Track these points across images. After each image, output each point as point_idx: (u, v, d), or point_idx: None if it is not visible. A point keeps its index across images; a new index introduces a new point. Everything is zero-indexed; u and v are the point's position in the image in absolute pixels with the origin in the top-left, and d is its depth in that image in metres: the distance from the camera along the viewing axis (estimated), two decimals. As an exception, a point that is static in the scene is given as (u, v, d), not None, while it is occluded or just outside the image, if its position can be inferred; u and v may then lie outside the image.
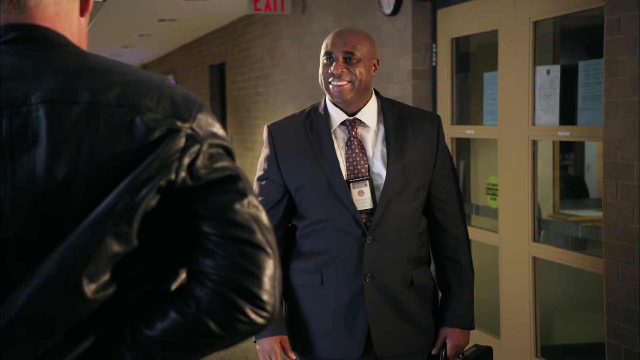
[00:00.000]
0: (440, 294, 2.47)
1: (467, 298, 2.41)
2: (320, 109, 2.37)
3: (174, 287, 1.10)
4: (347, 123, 2.34)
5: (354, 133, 2.34)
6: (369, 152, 2.33)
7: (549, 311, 4.03)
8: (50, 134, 1.03)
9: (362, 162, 2.32)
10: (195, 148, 1.07)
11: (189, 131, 1.08)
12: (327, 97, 2.36)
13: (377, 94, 2.40)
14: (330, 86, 2.29)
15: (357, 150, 2.33)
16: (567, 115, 3.54)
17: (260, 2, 6.41)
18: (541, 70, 3.62)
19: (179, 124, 1.07)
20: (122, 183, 1.03)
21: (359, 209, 2.29)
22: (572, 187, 4.98)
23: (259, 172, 2.40)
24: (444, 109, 4.43)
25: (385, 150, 2.31)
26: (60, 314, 0.99)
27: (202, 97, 10.64)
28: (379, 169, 2.32)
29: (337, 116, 2.34)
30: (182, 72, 12.22)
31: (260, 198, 2.33)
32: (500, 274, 3.99)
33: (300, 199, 2.34)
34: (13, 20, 1.12)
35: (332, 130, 2.34)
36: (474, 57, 4.66)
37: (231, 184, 1.08)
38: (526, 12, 3.69)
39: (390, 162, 2.30)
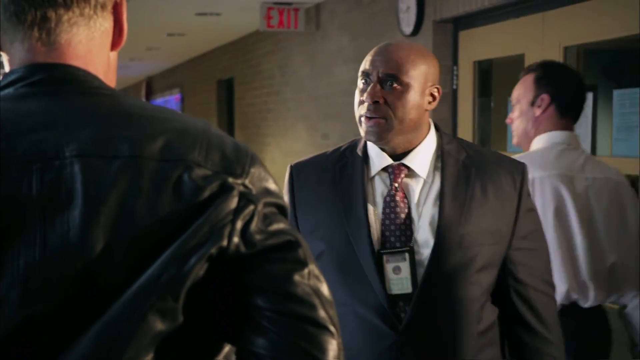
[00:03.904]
0: None
1: None
2: (359, 149, 1.77)
3: None
4: (390, 170, 1.73)
5: (396, 185, 1.71)
6: (414, 212, 1.69)
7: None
8: (87, 193, 0.89)
9: (402, 227, 1.68)
10: (249, 209, 0.93)
11: (242, 188, 0.94)
12: None
13: (438, 130, 1.79)
14: (363, 120, 1.70)
15: (397, 209, 1.69)
16: (601, 145, 3.41)
17: (274, 19, 6.31)
18: (572, 97, 3.49)
19: (231, 180, 0.94)
20: (168, 250, 0.89)
21: (392, 292, 1.67)
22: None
23: None
24: (465, 133, 4.31)
25: (437, 211, 1.67)
26: None
27: (210, 112, 10.53)
28: (426, 238, 1.67)
29: (378, 159, 1.74)
30: (189, 86, 12.12)
31: None
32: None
33: (321, 270, 1.83)
34: (41, 60, 0.99)
35: (369, 178, 1.74)
36: (497, 81, 4.54)
37: (289, 251, 0.95)
38: (556, 37, 3.56)
39: (442, 229, 1.65)
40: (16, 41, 1.00)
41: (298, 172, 1.80)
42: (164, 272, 0.88)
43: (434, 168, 1.73)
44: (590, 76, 3.76)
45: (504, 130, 4.11)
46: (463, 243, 1.66)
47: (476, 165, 1.72)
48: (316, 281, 0.95)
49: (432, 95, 1.71)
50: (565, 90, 2.37)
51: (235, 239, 0.92)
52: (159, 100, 14.50)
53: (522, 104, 2.42)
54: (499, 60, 4.27)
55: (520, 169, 1.75)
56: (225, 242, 0.91)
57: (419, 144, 1.73)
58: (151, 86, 15.28)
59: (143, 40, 9.16)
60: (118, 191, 0.90)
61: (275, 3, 6.25)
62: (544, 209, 2.20)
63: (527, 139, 2.40)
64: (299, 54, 6.89)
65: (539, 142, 2.35)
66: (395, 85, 1.66)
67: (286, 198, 1.79)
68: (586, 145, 3.40)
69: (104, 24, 1.03)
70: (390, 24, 4.93)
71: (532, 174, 2.15)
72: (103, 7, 1.03)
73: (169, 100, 13.54)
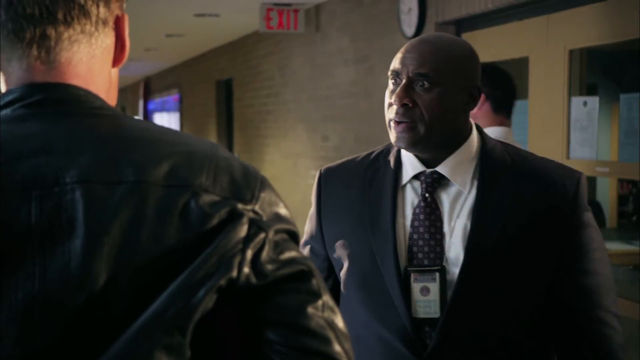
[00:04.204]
0: None
1: None
2: (392, 154, 1.59)
3: None
4: (422, 178, 1.54)
5: (427, 195, 1.53)
6: (446, 226, 1.50)
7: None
8: (89, 221, 0.85)
9: (432, 242, 1.50)
10: (259, 237, 0.89)
11: (252, 215, 0.90)
12: None
13: (480, 133, 1.59)
14: (392, 124, 1.51)
15: (427, 223, 1.50)
16: (606, 150, 3.37)
17: (273, 20, 6.26)
18: (577, 101, 3.45)
19: (240, 206, 0.89)
20: (175, 282, 0.84)
21: (418, 315, 1.48)
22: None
23: (304, 236, 1.67)
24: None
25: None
26: None
27: (208, 113, 10.49)
28: (459, 256, 1.48)
29: (411, 166, 1.56)
30: (187, 86, 12.07)
31: None
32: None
33: (343, 285, 1.60)
34: (40, 79, 0.94)
35: (400, 187, 1.56)
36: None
37: (303, 282, 0.90)
38: (561, 40, 3.52)
39: (473, 245, 1.46)
40: (14, 59, 0.95)
41: (327, 178, 1.65)
42: (170, 305, 0.84)
43: (473, 177, 1.52)
44: (595, 79, 3.72)
45: (507, 133, 4.07)
46: (500, 263, 1.46)
47: (522, 173, 1.51)
48: (330, 313, 0.90)
49: (471, 95, 1.52)
50: (499, 89, 2.67)
51: (246, 270, 0.87)
52: (157, 101, 14.45)
53: None
54: (502, 63, 4.22)
55: (575, 178, 1.51)
56: (235, 273, 0.86)
57: (456, 149, 1.53)
58: (149, 86, 15.22)
59: (142, 40, 9.11)
60: (122, 219, 0.85)
61: (275, 4, 6.20)
62: None
63: None
64: (299, 55, 6.84)
65: None
66: (427, 85, 1.47)
67: (313, 206, 1.67)
68: (591, 151, 3.35)
69: (106, 40, 0.99)
70: (391, 25, 4.88)
71: None
72: (105, 23, 0.98)
73: (167, 101, 13.49)
